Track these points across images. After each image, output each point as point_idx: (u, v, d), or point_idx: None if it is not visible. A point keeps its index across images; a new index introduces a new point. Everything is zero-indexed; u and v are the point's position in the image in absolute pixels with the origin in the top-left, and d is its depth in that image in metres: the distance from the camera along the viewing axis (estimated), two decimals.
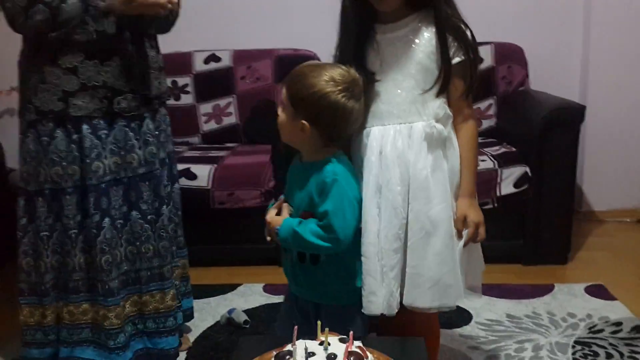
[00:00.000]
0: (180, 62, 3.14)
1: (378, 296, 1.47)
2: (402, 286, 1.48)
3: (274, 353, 1.10)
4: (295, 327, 1.12)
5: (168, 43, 3.23)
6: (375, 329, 1.64)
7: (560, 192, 2.69)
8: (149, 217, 1.92)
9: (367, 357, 1.09)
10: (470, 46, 1.44)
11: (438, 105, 1.45)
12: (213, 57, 3.16)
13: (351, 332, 1.13)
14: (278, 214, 1.50)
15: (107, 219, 1.86)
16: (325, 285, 1.50)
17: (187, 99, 3.16)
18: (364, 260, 1.49)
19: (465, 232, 1.49)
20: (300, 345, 1.08)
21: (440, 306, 1.47)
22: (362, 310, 1.51)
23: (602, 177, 3.35)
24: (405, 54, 1.45)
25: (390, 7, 1.43)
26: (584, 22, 3.27)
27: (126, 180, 1.88)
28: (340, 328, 1.44)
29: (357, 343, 1.13)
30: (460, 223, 1.48)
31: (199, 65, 3.14)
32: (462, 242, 1.48)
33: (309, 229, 1.41)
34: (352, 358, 1.06)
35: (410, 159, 1.44)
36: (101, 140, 1.82)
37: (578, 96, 3.24)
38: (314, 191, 1.43)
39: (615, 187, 3.36)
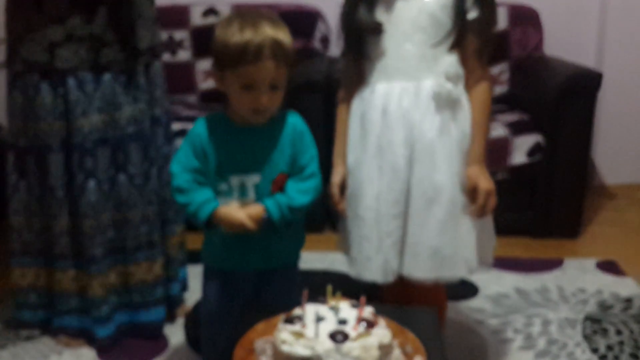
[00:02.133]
0: (177, 15, 3.00)
1: (373, 262, 1.42)
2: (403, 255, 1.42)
3: (283, 317, 1.01)
4: (305, 291, 1.04)
5: None
6: (378, 299, 1.57)
7: (574, 163, 2.62)
8: (136, 181, 1.82)
9: (378, 324, 1.02)
10: (487, 2, 1.35)
11: (449, 63, 1.35)
12: (211, 11, 3.01)
13: (362, 298, 1.06)
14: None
15: (91, 181, 1.76)
16: (294, 244, 1.45)
17: (183, 55, 3.02)
18: (360, 225, 1.44)
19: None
20: (310, 310, 1.00)
21: (438, 277, 1.41)
22: (355, 276, 1.47)
23: (615, 150, 3.28)
24: (418, 5, 1.35)
25: None
26: None
27: (114, 141, 1.77)
28: (289, 289, 1.42)
29: (369, 309, 1.06)
30: (471, 192, 1.39)
31: (197, 19, 3.00)
32: (472, 210, 1.39)
33: (296, 192, 1.33)
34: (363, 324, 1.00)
35: (416, 119, 1.36)
36: (87, 96, 1.72)
37: (593, 63, 3.15)
38: (289, 145, 1.35)
39: (629, 161, 3.30)
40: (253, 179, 1.34)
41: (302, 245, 1.47)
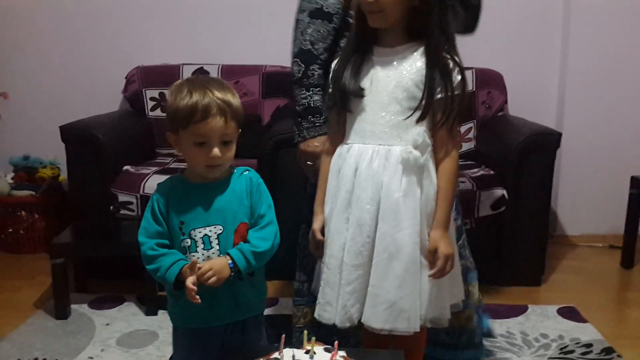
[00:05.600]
0: (169, 74, 3.15)
1: (332, 307, 1.52)
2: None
3: None
4: (283, 335, 1.15)
5: (157, 55, 3.31)
6: (359, 344, 1.68)
7: (536, 215, 2.75)
8: None
9: None
10: (451, 84, 1.46)
11: (418, 133, 1.47)
12: (201, 71, 3.17)
13: (336, 342, 1.16)
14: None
15: None
16: (260, 293, 1.52)
17: None
18: (325, 271, 1.54)
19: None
20: (288, 353, 1.11)
21: (392, 329, 1.48)
22: (317, 318, 1.55)
23: (576, 203, 3.43)
24: (396, 79, 1.49)
25: (378, 25, 1.48)
26: (561, 50, 3.37)
27: None
28: (257, 338, 1.50)
29: (342, 353, 1.16)
30: (431, 255, 1.49)
31: None
32: (431, 273, 1.49)
33: (257, 239, 1.41)
34: None
35: (384, 180, 1.47)
36: None
37: (554, 122, 3.34)
38: (247, 197, 1.43)
39: (588, 213, 3.44)
40: (216, 231, 1.40)
41: (266, 295, 1.55)
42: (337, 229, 1.52)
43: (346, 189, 1.51)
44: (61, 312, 2.45)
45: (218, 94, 1.34)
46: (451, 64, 1.47)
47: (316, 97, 1.77)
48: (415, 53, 1.49)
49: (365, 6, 1.45)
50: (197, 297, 1.33)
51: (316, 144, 1.76)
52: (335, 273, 1.51)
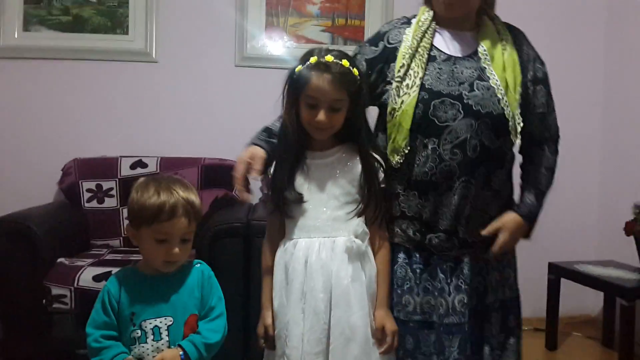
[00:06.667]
0: (107, 167, 3.19)
1: None
2: None
3: None
4: None
5: (94, 147, 3.34)
6: None
7: None
8: None
9: None
10: (378, 180, 1.67)
11: (357, 224, 1.64)
12: (140, 163, 3.22)
13: None
14: None
15: None
16: None
17: (110, 202, 3.17)
18: None
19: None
20: None
21: None
22: None
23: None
24: (331, 178, 1.66)
25: (323, 137, 1.65)
26: None
27: (435, 326, 1.70)
28: None
29: None
30: (379, 332, 1.62)
31: (125, 170, 3.18)
32: (382, 350, 1.61)
33: (208, 331, 1.46)
34: None
35: (332, 269, 1.60)
36: (415, 274, 1.72)
37: None
38: (198, 289, 1.50)
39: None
40: (166, 322, 1.45)
41: None
42: (295, 320, 1.59)
43: (299, 281, 1.60)
44: None
45: (183, 194, 1.44)
46: (376, 163, 1.67)
47: (276, 122, 1.78)
48: (344, 154, 1.67)
49: (320, 124, 1.60)
50: None
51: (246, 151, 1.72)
52: None
